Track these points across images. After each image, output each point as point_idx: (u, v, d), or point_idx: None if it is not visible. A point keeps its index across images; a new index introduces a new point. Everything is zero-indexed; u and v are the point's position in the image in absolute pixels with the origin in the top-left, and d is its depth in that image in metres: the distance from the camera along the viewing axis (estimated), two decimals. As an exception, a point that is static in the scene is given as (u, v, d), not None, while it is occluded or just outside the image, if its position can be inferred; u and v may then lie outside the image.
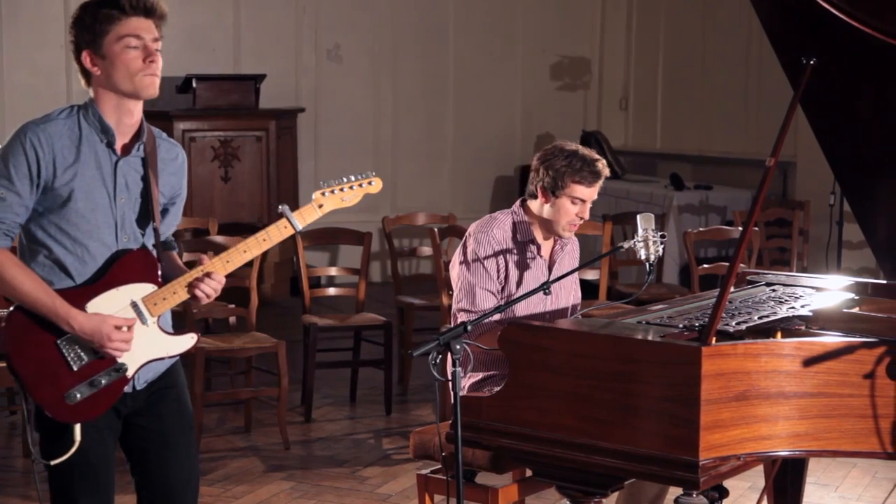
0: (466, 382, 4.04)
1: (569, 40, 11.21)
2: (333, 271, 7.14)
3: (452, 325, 3.53)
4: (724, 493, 3.90)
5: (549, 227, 4.08)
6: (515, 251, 4.06)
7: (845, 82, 3.70)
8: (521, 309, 4.01)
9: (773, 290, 4.16)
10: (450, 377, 3.27)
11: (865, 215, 4.02)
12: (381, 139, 10.54)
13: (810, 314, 3.69)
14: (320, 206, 3.21)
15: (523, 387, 3.38)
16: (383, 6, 10.43)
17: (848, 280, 4.26)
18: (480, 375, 4.04)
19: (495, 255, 4.03)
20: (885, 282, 4.15)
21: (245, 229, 8.37)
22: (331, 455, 5.82)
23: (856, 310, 3.89)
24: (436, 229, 6.71)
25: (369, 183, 3.26)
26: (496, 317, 3.81)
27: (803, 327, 3.63)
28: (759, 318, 3.63)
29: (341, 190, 3.23)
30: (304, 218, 3.19)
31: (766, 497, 4.21)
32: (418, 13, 10.61)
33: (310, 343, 6.35)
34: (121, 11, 2.99)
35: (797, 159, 9.08)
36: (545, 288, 3.64)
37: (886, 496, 5.19)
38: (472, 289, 4.00)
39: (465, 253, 4.06)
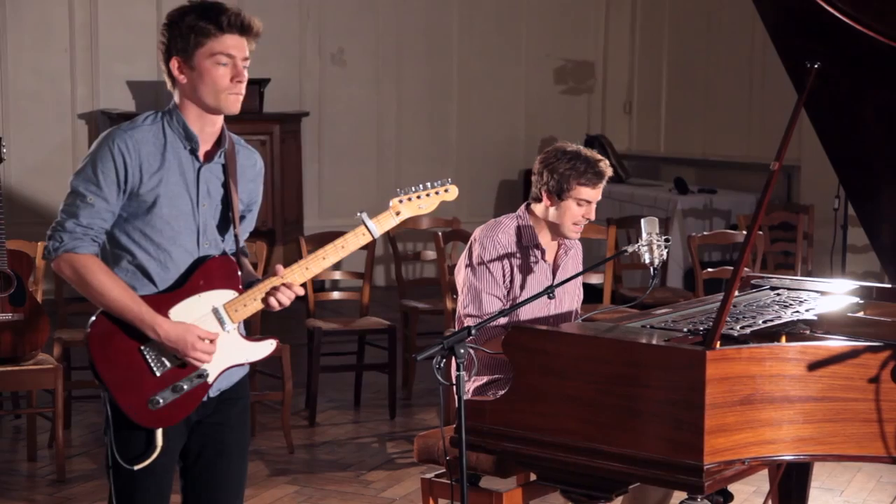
0: (470, 386, 4.04)
1: (573, 44, 11.21)
2: (338, 275, 7.14)
3: (457, 329, 3.53)
4: (729, 497, 3.90)
5: (555, 230, 4.08)
6: (520, 255, 4.07)
7: (850, 86, 3.69)
8: (526, 313, 4.01)
9: (778, 294, 4.15)
10: (454, 381, 3.27)
11: (870, 219, 4.02)
12: (384, 143, 10.54)
13: (815, 318, 3.69)
14: (398, 214, 3.23)
15: (527, 391, 3.38)
16: (387, 10, 10.43)
17: (852, 284, 4.26)
18: (485, 379, 4.04)
19: (500, 259, 4.03)
20: (889, 285, 4.15)
21: (249, 233, 8.37)
22: (335, 459, 5.82)
23: (860, 314, 3.89)
24: (440, 233, 6.70)
25: (445, 190, 3.28)
26: (501, 321, 3.81)
27: (808, 331, 3.62)
28: (764, 322, 3.63)
29: (418, 197, 3.25)
30: (381, 225, 3.20)
31: (770, 501, 4.20)
32: (422, 17, 10.61)
33: (314, 347, 6.35)
34: (218, 28, 2.99)
35: (801, 163, 9.07)
36: (550, 292, 3.64)
37: (891, 500, 5.19)
38: (479, 294, 4.00)
39: (470, 257, 4.07)
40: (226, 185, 3.13)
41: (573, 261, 4.22)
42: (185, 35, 3.01)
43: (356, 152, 10.36)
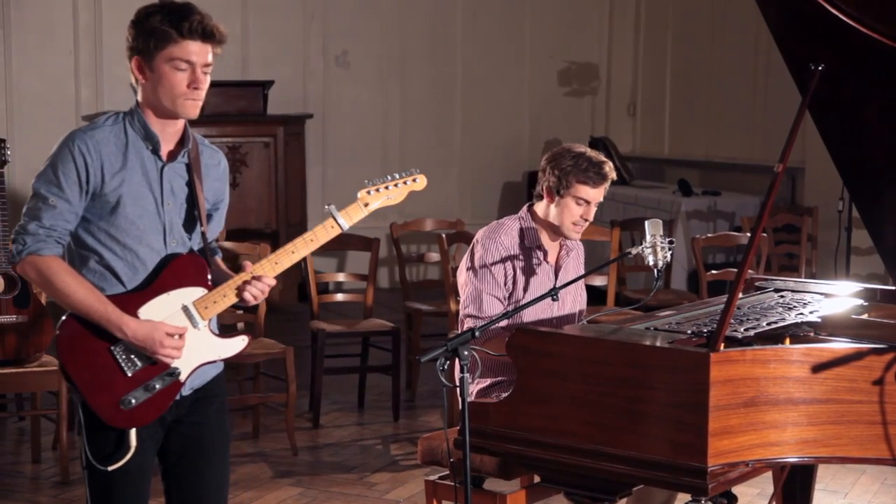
0: (474, 388, 4.04)
1: (577, 46, 11.21)
2: (341, 277, 7.14)
3: (460, 331, 3.53)
4: (733, 499, 3.90)
5: (554, 229, 4.08)
6: (522, 257, 4.06)
7: (854, 88, 3.69)
8: (529, 315, 4.01)
9: (782, 297, 4.15)
10: (458, 383, 3.27)
11: (874, 221, 4.01)
12: (388, 145, 10.54)
13: (819, 320, 3.69)
14: (366, 205, 3.22)
15: (531, 393, 3.38)
16: (391, 12, 10.44)
17: (856, 286, 4.26)
18: (488, 381, 4.04)
19: (503, 261, 4.03)
20: (893, 288, 4.15)
21: (253, 235, 8.39)
22: (339, 461, 5.82)
23: (864, 316, 3.89)
24: (444, 235, 6.71)
25: (413, 180, 3.28)
26: (503, 323, 3.81)
27: (812, 333, 3.62)
28: (768, 324, 3.62)
29: (386, 188, 3.24)
30: (350, 217, 3.19)
31: (774, 503, 4.20)
32: (426, 19, 10.62)
33: (318, 349, 6.35)
34: (178, 33, 2.98)
35: (806, 165, 9.07)
36: (553, 294, 3.64)
37: None
38: (480, 295, 4.00)
39: (472, 259, 4.07)
40: (190, 184, 3.13)
41: (574, 261, 4.22)
42: (146, 36, 3.01)
43: (360, 154, 10.37)
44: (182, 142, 3.13)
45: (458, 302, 4.47)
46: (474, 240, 4.12)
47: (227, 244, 6.18)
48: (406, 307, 7.06)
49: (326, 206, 3.19)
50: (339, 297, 7.00)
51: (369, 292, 6.58)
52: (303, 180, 9.68)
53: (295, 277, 9.45)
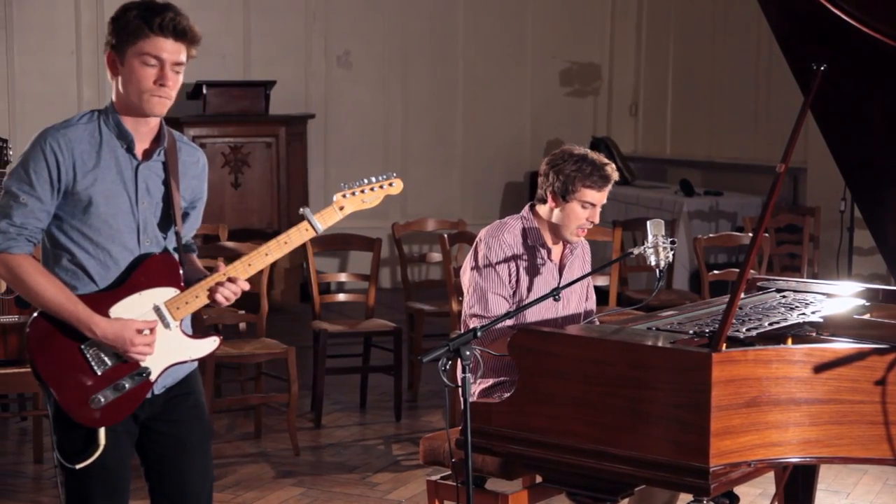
0: (476, 388, 4.04)
1: (578, 46, 11.21)
2: (343, 277, 7.14)
3: (463, 331, 3.53)
4: (735, 499, 3.90)
5: (558, 232, 4.08)
6: (526, 256, 4.06)
7: (856, 88, 3.69)
8: (532, 314, 4.01)
9: (784, 297, 4.15)
10: (460, 383, 3.27)
11: (876, 221, 4.01)
12: (390, 145, 10.55)
13: (821, 320, 3.68)
14: (341, 209, 3.22)
15: (533, 393, 3.38)
16: (393, 12, 10.44)
17: (859, 286, 4.25)
18: (490, 381, 4.04)
19: (506, 260, 4.03)
20: (895, 288, 4.14)
21: (255, 235, 8.39)
22: (341, 461, 5.82)
23: (866, 316, 3.89)
24: (445, 235, 6.70)
25: (390, 184, 3.28)
26: (507, 322, 3.81)
27: (814, 333, 3.62)
28: (770, 324, 3.62)
29: (362, 192, 3.24)
30: (325, 220, 3.20)
31: (776, 503, 4.20)
32: (428, 19, 10.62)
33: (320, 349, 6.35)
34: (150, 28, 2.99)
35: (808, 165, 9.06)
36: (555, 294, 3.64)
37: (898, 503, 5.18)
38: (484, 294, 4.00)
39: (476, 258, 4.06)
40: (166, 183, 3.13)
41: (580, 260, 4.22)
42: (120, 31, 3.02)
43: (362, 154, 10.37)
44: (157, 139, 3.12)
45: (460, 302, 4.48)
46: (477, 239, 4.12)
47: (230, 244, 6.18)
48: (408, 307, 7.06)
49: (301, 210, 3.20)
50: (341, 297, 7.00)
51: (371, 292, 6.58)
52: (305, 180, 9.68)
53: (297, 277, 9.47)
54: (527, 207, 4.15)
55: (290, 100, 9.84)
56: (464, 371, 3.26)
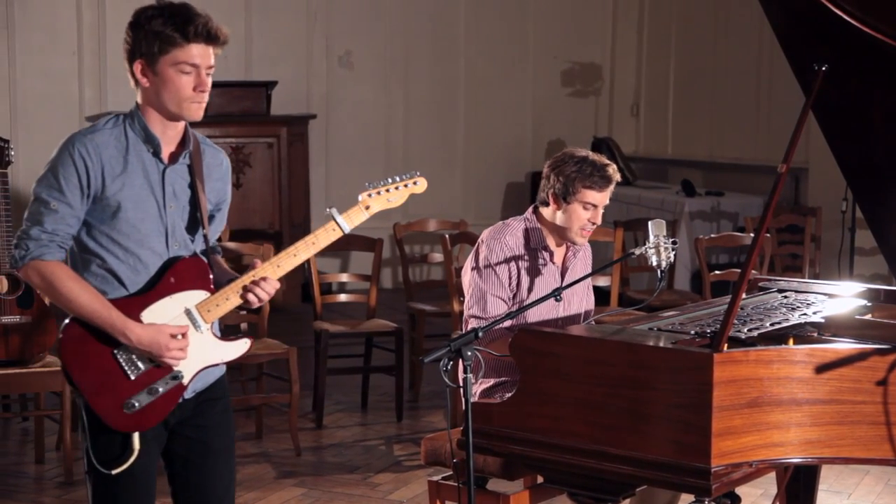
0: (477, 389, 4.04)
1: (580, 46, 11.21)
2: (345, 278, 7.14)
3: (463, 332, 3.53)
4: (737, 500, 3.90)
5: (561, 234, 4.08)
6: (528, 258, 4.06)
7: (857, 88, 3.69)
8: (533, 315, 4.01)
9: (785, 297, 4.15)
10: (461, 383, 3.27)
11: (878, 221, 4.01)
12: (392, 145, 10.55)
13: (822, 321, 3.68)
14: (367, 208, 3.22)
15: (534, 393, 3.38)
16: (395, 13, 10.44)
17: (860, 286, 4.26)
18: (492, 381, 4.04)
19: (507, 262, 4.03)
20: (897, 288, 4.14)
21: (257, 236, 8.39)
22: (342, 461, 5.83)
23: (868, 316, 3.89)
24: (447, 236, 6.70)
25: (414, 183, 3.28)
26: (507, 323, 3.81)
27: (815, 334, 3.62)
28: (771, 324, 3.62)
29: (387, 191, 3.24)
30: (351, 220, 3.19)
31: (778, 504, 4.20)
32: (430, 19, 10.62)
33: (321, 349, 6.35)
34: (184, 37, 2.97)
35: (809, 166, 9.06)
36: (556, 294, 3.64)
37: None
38: (484, 296, 4.00)
39: (477, 260, 4.06)
40: (192, 186, 3.12)
41: (582, 262, 4.22)
42: (150, 39, 2.99)
43: (363, 154, 10.37)
44: (183, 143, 3.12)
45: (461, 302, 4.48)
46: (479, 240, 4.12)
47: (231, 244, 6.18)
48: (409, 308, 7.06)
49: (328, 210, 3.19)
50: (343, 297, 7.00)
51: (372, 293, 6.58)
52: (306, 180, 9.68)
53: (298, 278, 9.46)
54: (530, 209, 4.15)
55: (292, 100, 9.84)
56: (465, 371, 3.26)
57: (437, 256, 7.38)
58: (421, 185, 3.28)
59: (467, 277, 4.09)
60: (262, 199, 9.20)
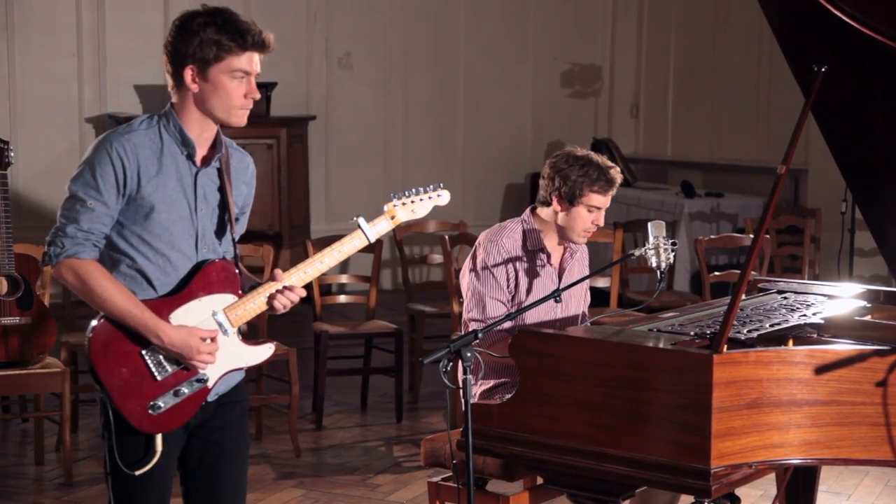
0: (477, 390, 4.04)
1: (580, 48, 11.21)
2: (344, 279, 7.14)
3: (463, 333, 3.53)
4: (736, 501, 3.89)
5: (563, 234, 4.08)
6: (525, 260, 4.06)
7: (857, 90, 3.69)
8: (532, 317, 4.01)
9: (785, 298, 4.15)
10: (460, 385, 3.27)
11: (877, 223, 4.01)
12: (391, 147, 10.55)
13: (822, 322, 3.68)
14: (393, 218, 3.24)
15: (534, 394, 3.38)
16: (394, 14, 10.44)
17: (860, 288, 4.26)
18: (491, 383, 4.04)
19: (505, 264, 4.03)
20: (897, 289, 4.14)
21: (256, 237, 8.37)
22: (342, 462, 5.83)
23: (868, 317, 3.89)
24: (446, 237, 6.70)
25: (438, 195, 3.35)
26: (507, 325, 3.81)
27: (815, 335, 3.62)
28: (771, 325, 3.62)
29: (412, 202, 3.28)
30: (377, 229, 3.22)
31: (777, 505, 4.20)
32: (429, 21, 10.62)
33: (321, 350, 6.36)
34: (241, 46, 2.99)
35: (809, 167, 9.07)
36: (556, 296, 3.64)
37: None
38: (482, 298, 4.00)
39: (474, 262, 4.07)
40: (222, 190, 3.13)
41: (579, 264, 4.22)
42: (205, 46, 2.99)
43: (363, 156, 10.37)
44: (214, 146, 3.13)
45: (461, 304, 4.47)
46: (476, 242, 4.12)
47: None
48: (409, 309, 7.06)
49: (354, 217, 3.21)
50: (342, 298, 7.01)
51: (372, 294, 6.58)
52: (305, 182, 9.68)
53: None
54: (528, 210, 4.15)
55: (291, 101, 9.85)
56: (465, 372, 3.26)
57: (437, 258, 7.38)
58: (445, 197, 3.35)
59: (465, 280, 4.09)
60: (261, 201, 9.13)
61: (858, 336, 3.52)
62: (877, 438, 3.25)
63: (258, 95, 3.07)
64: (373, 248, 6.59)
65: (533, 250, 4.08)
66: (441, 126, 10.78)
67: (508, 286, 4.04)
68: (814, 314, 3.81)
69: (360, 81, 10.40)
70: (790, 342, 3.59)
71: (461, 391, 3.27)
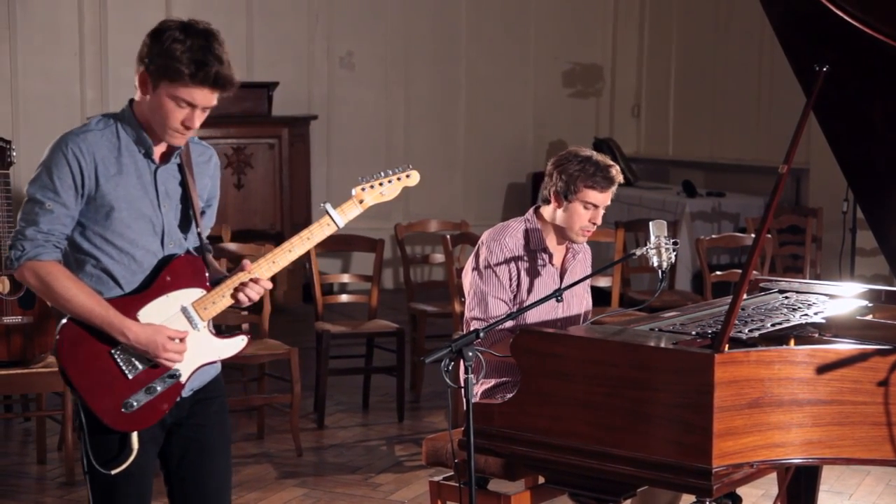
0: (479, 389, 4.05)
1: (581, 47, 11.21)
2: (346, 278, 7.14)
3: (465, 332, 3.53)
4: (738, 500, 3.90)
5: (561, 233, 4.08)
6: (527, 259, 4.07)
7: (858, 89, 3.69)
8: (533, 316, 4.01)
9: (786, 298, 4.15)
10: (462, 384, 3.27)
11: (878, 222, 4.01)
12: (393, 146, 10.55)
13: (823, 321, 3.69)
14: (361, 202, 3.23)
15: (536, 394, 3.38)
16: (396, 13, 10.44)
17: (861, 287, 4.26)
18: (493, 382, 4.04)
19: (507, 263, 4.03)
20: (898, 289, 4.14)
21: (258, 237, 8.39)
22: (343, 462, 5.83)
23: (869, 317, 3.89)
24: (448, 236, 6.71)
25: (407, 176, 3.30)
26: (508, 324, 3.81)
27: (816, 334, 3.62)
28: (772, 325, 3.62)
29: (380, 184, 3.26)
30: (345, 214, 3.21)
31: (779, 505, 4.20)
32: (431, 20, 10.62)
33: (322, 350, 6.36)
34: (191, 78, 2.95)
35: (810, 166, 9.06)
36: (557, 295, 3.64)
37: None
38: (485, 297, 4.01)
39: (477, 261, 4.07)
40: (184, 185, 3.13)
41: (581, 264, 4.22)
42: (163, 60, 2.96)
43: (364, 156, 10.37)
44: None
45: (462, 303, 4.48)
46: (479, 242, 4.12)
47: (232, 245, 6.19)
48: (410, 308, 7.07)
49: (322, 204, 3.21)
50: (344, 298, 7.00)
51: (374, 293, 6.59)
52: (307, 181, 9.68)
53: (299, 278, 9.47)
54: (531, 210, 4.15)
55: (293, 101, 9.85)
56: (466, 372, 3.26)
57: (439, 257, 7.38)
58: (414, 177, 3.31)
59: (468, 279, 4.10)
60: (263, 200, 9.20)
61: (860, 335, 3.52)
62: (878, 438, 3.25)
63: (195, 127, 3.02)
64: (374, 247, 6.61)
65: (535, 250, 4.08)
66: (442, 126, 10.78)
67: (511, 285, 4.04)
68: (815, 314, 3.81)
69: (362, 81, 10.40)
70: (792, 342, 3.59)
71: (463, 390, 3.28)
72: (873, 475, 5.56)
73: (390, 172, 3.28)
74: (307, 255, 6.53)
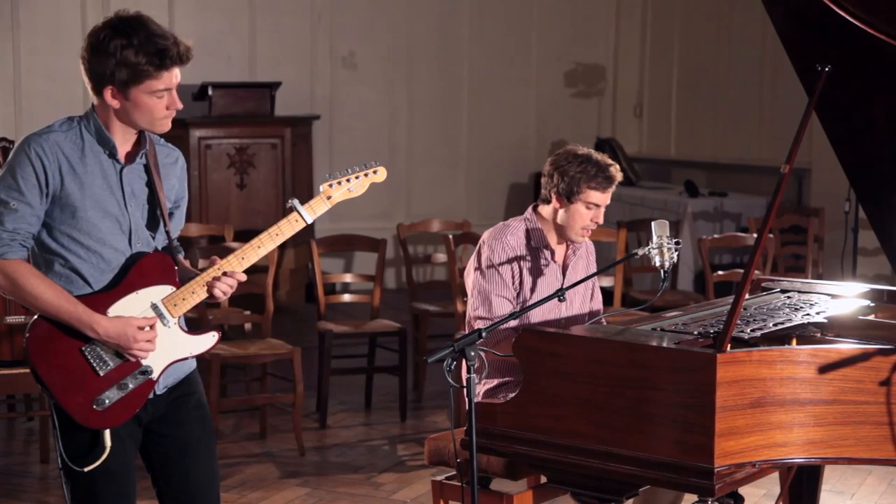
0: (481, 389, 4.05)
1: (583, 47, 11.21)
2: (348, 278, 7.15)
3: (467, 332, 3.54)
4: (740, 500, 3.90)
5: (562, 233, 4.09)
6: (529, 257, 4.07)
7: (860, 89, 3.69)
8: (536, 315, 4.02)
9: (788, 297, 4.15)
10: (464, 383, 3.28)
11: (880, 222, 4.02)
12: (395, 146, 10.55)
13: (825, 321, 3.69)
14: (329, 198, 3.25)
15: (538, 393, 3.39)
16: (398, 13, 10.45)
17: (863, 287, 4.26)
18: (495, 382, 4.04)
19: (509, 261, 4.04)
20: (900, 289, 4.14)
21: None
22: (346, 461, 5.83)
23: (871, 317, 3.89)
24: (450, 236, 6.71)
25: (374, 172, 3.33)
26: (512, 323, 3.82)
27: (818, 334, 3.62)
28: (774, 324, 3.63)
29: (347, 181, 3.28)
30: (313, 210, 3.22)
31: (781, 504, 4.20)
32: (433, 20, 10.62)
33: (325, 349, 6.36)
34: (159, 68, 3.00)
35: (812, 166, 9.06)
36: (560, 294, 3.65)
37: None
38: (488, 296, 4.01)
39: (479, 260, 4.07)
40: (150, 185, 3.15)
41: (583, 261, 4.22)
42: (123, 69, 3.00)
43: (367, 155, 10.27)
44: (139, 143, 3.14)
45: (464, 303, 4.48)
46: (480, 241, 4.13)
47: (235, 245, 6.18)
48: (413, 308, 7.07)
49: (289, 202, 3.22)
50: (346, 297, 7.01)
51: (376, 293, 6.59)
52: (310, 181, 9.68)
53: (302, 278, 9.48)
54: (530, 208, 4.16)
55: (296, 101, 9.85)
56: (469, 371, 3.27)
57: (441, 257, 7.38)
58: (381, 174, 3.34)
59: (470, 279, 4.10)
60: (265, 200, 9.20)
61: (862, 335, 3.52)
62: (880, 437, 3.25)
63: (180, 106, 3.09)
64: (376, 247, 6.61)
65: (537, 248, 4.09)
66: (445, 125, 10.78)
67: (513, 283, 4.04)
68: (817, 313, 3.81)
69: (364, 81, 10.40)
70: (794, 341, 3.59)
71: (465, 390, 3.28)
72: (875, 475, 5.56)
73: (357, 169, 3.31)
74: (310, 255, 6.54)
